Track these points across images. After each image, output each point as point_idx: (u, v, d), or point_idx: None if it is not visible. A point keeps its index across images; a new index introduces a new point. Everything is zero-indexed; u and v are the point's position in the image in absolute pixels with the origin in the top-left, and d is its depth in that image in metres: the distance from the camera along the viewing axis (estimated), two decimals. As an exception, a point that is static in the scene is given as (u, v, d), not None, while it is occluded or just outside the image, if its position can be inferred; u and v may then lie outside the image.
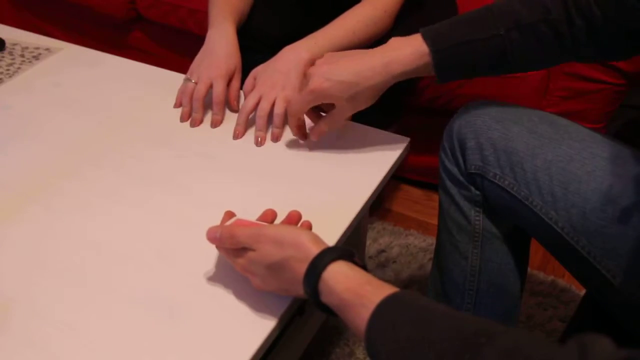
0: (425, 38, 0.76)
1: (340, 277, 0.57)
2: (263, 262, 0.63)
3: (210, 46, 0.99)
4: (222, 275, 0.70)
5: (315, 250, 0.60)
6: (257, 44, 1.15)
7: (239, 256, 0.65)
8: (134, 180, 0.85)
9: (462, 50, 0.75)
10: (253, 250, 0.63)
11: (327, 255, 0.59)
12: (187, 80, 0.98)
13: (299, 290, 0.61)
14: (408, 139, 0.93)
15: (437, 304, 0.53)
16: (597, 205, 0.68)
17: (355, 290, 0.56)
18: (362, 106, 0.83)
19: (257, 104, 0.92)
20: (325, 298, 0.59)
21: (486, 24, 0.75)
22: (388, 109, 1.27)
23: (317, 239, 0.62)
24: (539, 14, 0.72)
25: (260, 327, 0.64)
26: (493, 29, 0.74)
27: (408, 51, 0.77)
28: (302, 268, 0.60)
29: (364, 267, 0.60)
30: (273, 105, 0.91)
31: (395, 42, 0.79)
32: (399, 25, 1.08)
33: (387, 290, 0.55)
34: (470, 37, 0.75)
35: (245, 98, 0.94)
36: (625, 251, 0.68)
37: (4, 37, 1.19)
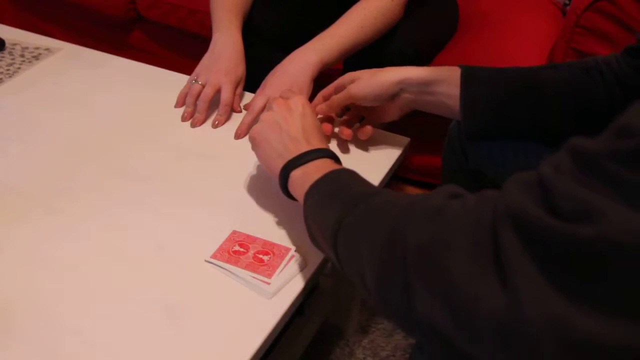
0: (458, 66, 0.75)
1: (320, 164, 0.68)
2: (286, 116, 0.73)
3: (218, 52, 0.99)
4: (222, 276, 0.70)
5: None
6: (257, 39, 1.15)
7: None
8: (134, 180, 0.85)
9: (492, 76, 0.74)
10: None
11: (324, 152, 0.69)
12: (194, 81, 0.98)
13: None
14: (408, 139, 0.92)
15: (363, 185, 0.62)
16: None
17: (322, 169, 0.65)
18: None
19: (264, 106, 0.92)
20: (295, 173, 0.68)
21: (519, 69, 0.74)
22: None
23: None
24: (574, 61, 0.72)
25: (260, 327, 0.64)
26: (525, 68, 0.73)
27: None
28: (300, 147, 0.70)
29: None
30: None
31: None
32: (405, 16, 1.08)
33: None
34: (501, 69, 0.74)
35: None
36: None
37: (4, 37, 1.19)
